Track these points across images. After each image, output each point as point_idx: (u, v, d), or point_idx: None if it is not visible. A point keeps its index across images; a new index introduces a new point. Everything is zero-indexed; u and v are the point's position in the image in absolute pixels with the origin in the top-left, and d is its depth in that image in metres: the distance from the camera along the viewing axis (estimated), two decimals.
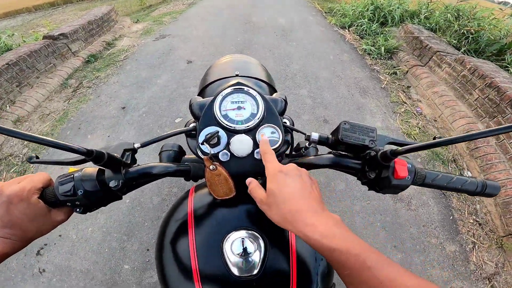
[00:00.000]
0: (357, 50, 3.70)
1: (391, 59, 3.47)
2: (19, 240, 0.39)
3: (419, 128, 2.45)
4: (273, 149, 0.49)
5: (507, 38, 3.08)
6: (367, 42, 3.71)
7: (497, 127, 0.29)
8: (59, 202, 0.41)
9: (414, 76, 2.96)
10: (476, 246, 1.70)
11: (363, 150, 0.48)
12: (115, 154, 0.44)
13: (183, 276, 0.47)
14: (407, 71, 3.10)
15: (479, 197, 1.94)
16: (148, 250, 1.55)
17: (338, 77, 3.07)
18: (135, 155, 0.50)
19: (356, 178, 0.53)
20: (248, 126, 0.50)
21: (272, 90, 0.87)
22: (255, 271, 0.44)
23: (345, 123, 0.48)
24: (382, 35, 3.76)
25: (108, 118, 2.46)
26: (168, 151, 0.61)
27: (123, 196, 0.48)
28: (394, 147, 0.43)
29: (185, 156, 0.60)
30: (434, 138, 0.52)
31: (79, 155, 0.37)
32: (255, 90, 0.53)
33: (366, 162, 0.48)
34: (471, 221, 1.81)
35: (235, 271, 0.44)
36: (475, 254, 1.66)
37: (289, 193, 0.38)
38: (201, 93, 0.86)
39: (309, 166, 0.52)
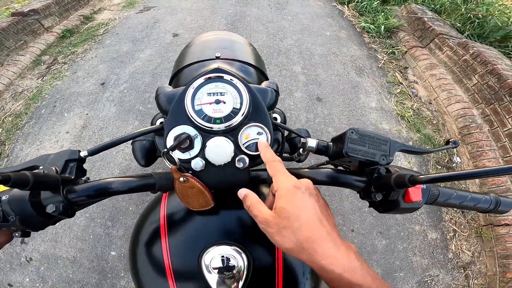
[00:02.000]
0: (356, 28, 3.54)
1: (390, 38, 3.33)
2: None
3: (413, 110, 2.41)
4: (257, 155, 0.41)
5: None
6: (367, 20, 3.54)
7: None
8: None
9: (413, 57, 2.87)
10: (457, 235, 1.75)
11: (370, 164, 0.40)
12: (53, 167, 0.36)
13: None
14: (406, 52, 2.99)
15: (464, 184, 1.96)
16: None
17: (334, 54, 2.95)
18: (84, 165, 0.41)
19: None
20: (228, 126, 0.40)
21: (262, 76, 0.74)
22: (240, 286, 0.39)
23: (352, 132, 0.39)
24: (383, 13, 3.57)
25: (86, 95, 2.31)
26: (141, 141, 0.52)
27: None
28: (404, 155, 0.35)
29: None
30: (448, 143, 0.44)
31: (9, 168, 0.30)
32: (239, 78, 0.43)
33: (372, 181, 0.40)
34: (455, 208, 1.84)
35: (219, 286, 0.39)
36: (454, 243, 1.72)
37: (307, 217, 0.32)
38: (173, 80, 0.73)
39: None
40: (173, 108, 0.41)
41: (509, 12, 3.18)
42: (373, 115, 2.32)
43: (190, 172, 0.39)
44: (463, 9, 3.23)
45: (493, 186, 1.79)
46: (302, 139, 0.43)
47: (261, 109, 0.42)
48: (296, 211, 0.32)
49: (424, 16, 3.11)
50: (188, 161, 0.39)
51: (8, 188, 0.35)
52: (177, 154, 0.39)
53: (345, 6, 4.09)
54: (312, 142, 0.42)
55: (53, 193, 0.35)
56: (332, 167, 0.45)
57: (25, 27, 2.81)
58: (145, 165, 0.58)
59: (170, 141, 0.39)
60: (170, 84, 0.77)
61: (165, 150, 0.37)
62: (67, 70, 2.60)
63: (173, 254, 0.42)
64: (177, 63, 0.80)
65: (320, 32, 3.32)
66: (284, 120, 0.52)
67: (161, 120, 0.47)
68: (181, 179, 0.37)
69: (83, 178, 0.42)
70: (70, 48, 2.92)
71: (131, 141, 0.57)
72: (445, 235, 1.73)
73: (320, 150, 0.42)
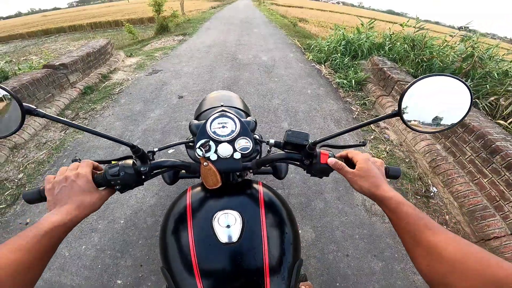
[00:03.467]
0: (332, 84, 4.09)
1: (361, 90, 3.82)
2: (79, 212, 0.50)
3: (387, 152, 2.72)
4: (245, 154, 0.73)
5: (456, 64, 3.42)
6: (340, 76, 4.08)
7: (376, 117, 0.58)
8: (105, 182, 0.60)
9: (381, 105, 3.30)
10: None
11: (302, 147, 0.68)
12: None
13: (182, 248, 0.62)
14: (375, 101, 3.43)
15: (446, 209, 2.14)
16: (141, 265, 1.59)
17: (315, 109, 3.39)
18: (154, 156, 0.74)
19: (307, 173, 0.74)
20: (229, 138, 0.74)
21: (247, 115, 1.22)
22: (236, 239, 0.61)
23: (289, 131, 0.70)
24: (353, 68, 4.12)
25: (104, 148, 2.58)
26: (169, 172, 0.91)
27: (149, 179, 0.68)
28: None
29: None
30: (360, 142, 0.76)
31: (119, 157, 0.64)
32: (234, 115, 0.79)
33: (303, 154, 0.69)
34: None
35: (221, 239, 0.61)
36: None
37: (375, 172, 0.57)
38: (197, 118, 1.22)
39: (270, 161, 0.74)
40: (199, 130, 0.75)
41: (447, 52, 3.60)
42: None
43: (210, 161, 0.72)
44: (412, 55, 3.73)
45: (471, 206, 1.97)
46: (268, 141, 0.77)
47: (247, 130, 0.75)
48: (370, 169, 0.57)
49: (384, 66, 3.60)
50: (207, 157, 0.71)
51: (117, 162, 0.63)
52: (202, 153, 0.71)
53: (322, 65, 4.73)
54: (272, 141, 0.75)
55: (143, 163, 0.66)
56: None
57: (55, 80, 3.07)
58: (170, 184, 0.99)
59: (198, 145, 0.72)
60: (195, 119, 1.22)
61: (197, 147, 0.71)
62: (87, 125, 2.89)
63: (195, 222, 0.66)
64: (198, 109, 1.31)
65: (303, 91, 3.84)
66: (260, 138, 0.90)
67: (192, 138, 0.84)
68: (205, 163, 0.67)
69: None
70: (90, 104, 3.27)
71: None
72: None
73: (276, 144, 0.74)
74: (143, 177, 0.65)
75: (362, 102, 3.55)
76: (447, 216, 2.07)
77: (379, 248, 1.79)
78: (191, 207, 0.69)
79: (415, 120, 0.54)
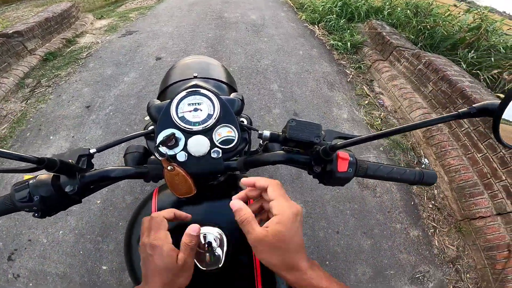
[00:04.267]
0: (326, 45, 3.84)
1: (356, 54, 3.63)
2: None
3: (381, 119, 2.63)
4: (230, 148, 0.53)
5: (460, 34, 3.31)
6: (335, 38, 3.86)
7: (429, 119, 0.36)
8: (15, 208, 0.42)
9: (377, 70, 3.14)
10: (437, 231, 1.82)
11: (311, 145, 0.50)
12: (70, 160, 0.46)
13: None
14: (371, 65, 3.26)
15: (441, 186, 2.12)
16: None
17: (307, 71, 3.19)
18: (93, 160, 0.52)
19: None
20: (205, 127, 0.52)
21: (232, 90, 0.91)
22: (220, 264, 0.47)
23: (292, 121, 0.50)
24: (348, 31, 3.91)
25: (72, 118, 2.36)
26: (132, 153, 0.63)
27: (92, 195, 0.50)
28: (341, 141, 0.48)
29: (151, 157, 0.60)
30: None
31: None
32: (212, 92, 0.56)
33: (313, 157, 0.50)
34: (430, 206, 1.95)
35: (201, 264, 0.47)
36: (436, 239, 1.78)
37: (298, 243, 0.37)
38: (161, 95, 0.89)
39: (263, 163, 0.54)
40: (161, 116, 0.53)
41: (454, 21, 3.53)
42: (346, 125, 2.50)
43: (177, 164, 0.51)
44: (414, 22, 3.56)
45: (461, 182, 1.93)
46: (259, 131, 0.55)
47: (229, 114, 0.55)
48: (291, 236, 0.36)
49: (383, 30, 3.42)
50: (173, 156, 0.51)
51: (33, 176, 0.44)
52: (165, 151, 0.51)
53: (316, 26, 4.43)
54: (266, 133, 0.53)
55: (70, 178, 0.45)
56: (286, 151, 0.55)
57: (9, 49, 2.82)
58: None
59: (159, 141, 0.51)
60: (158, 99, 0.92)
61: (156, 144, 0.49)
62: (51, 93, 2.64)
63: None
64: (163, 82, 0.97)
65: (294, 52, 3.57)
66: (250, 123, 0.65)
67: (152, 126, 0.59)
68: (169, 167, 0.48)
69: (91, 170, 0.52)
70: (53, 71, 2.96)
71: (123, 154, 0.68)
72: (426, 231, 1.80)
73: (272, 138, 0.53)
74: (74, 197, 0.46)
75: (357, 65, 3.36)
76: (435, 191, 2.05)
77: (369, 225, 1.79)
78: None
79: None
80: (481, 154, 1.92)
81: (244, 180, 0.44)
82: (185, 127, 0.52)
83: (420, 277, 1.61)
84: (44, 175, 0.44)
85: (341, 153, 0.48)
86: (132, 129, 2.24)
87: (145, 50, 3.42)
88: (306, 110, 2.60)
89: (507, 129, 0.35)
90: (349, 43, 3.60)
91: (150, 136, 0.58)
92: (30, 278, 1.43)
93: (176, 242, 0.42)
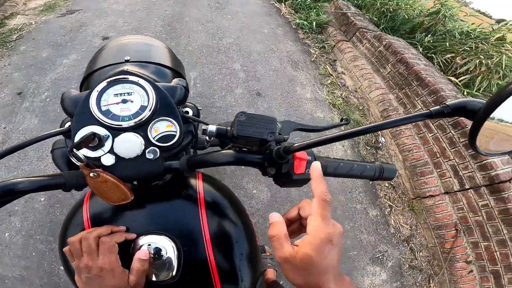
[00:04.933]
0: (291, 24, 3.74)
1: (321, 33, 3.58)
2: None
3: (343, 98, 2.65)
4: (171, 145, 0.44)
5: (419, 18, 3.39)
6: (301, 17, 3.77)
7: (398, 118, 0.31)
8: None
9: (340, 50, 3.13)
10: (393, 210, 1.89)
11: (264, 143, 0.43)
12: None
13: None
14: (334, 45, 3.25)
15: (391, 161, 2.20)
16: None
17: (271, 50, 3.09)
18: None
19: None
20: (137, 122, 0.43)
21: (179, 76, 0.77)
22: (173, 274, 0.42)
23: (241, 115, 0.42)
24: (315, 10, 3.84)
25: (1, 106, 2.09)
26: (61, 149, 0.52)
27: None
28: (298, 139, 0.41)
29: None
30: (341, 120, 0.52)
31: None
32: (145, 78, 0.45)
33: (266, 157, 0.43)
34: (387, 184, 2.02)
35: (151, 276, 0.42)
36: (392, 218, 1.85)
37: (327, 265, 0.33)
38: (83, 84, 0.75)
39: (209, 164, 0.46)
40: (78, 111, 0.43)
41: (415, 5, 3.59)
42: (309, 105, 2.49)
43: (102, 168, 0.41)
44: (378, 4, 3.59)
45: (413, 161, 2.02)
46: (203, 125, 0.47)
47: (169, 104, 0.45)
48: (320, 261, 0.32)
49: (348, 11, 3.40)
50: (97, 159, 0.41)
51: None
52: (88, 153, 0.40)
53: (282, 4, 4.28)
54: (212, 128, 0.46)
55: None
56: (236, 149, 0.48)
57: None
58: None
59: (76, 142, 0.40)
60: (80, 88, 0.78)
61: (69, 148, 0.38)
62: None
63: None
64: (88, 67, 0.81)
65: (259, 30, 3.44)
66: (197, 113, 0.55)
67: (69, 123, 0.47)
68: (91, 174, 0.39)
69: None
70: None
71: (50, 150, 0.56)
72: (383, 211, 1.86)
73: (220, 134, 0.46)
74: None
75: (321, 45, 3.33)
76: None
77: (332, 206, 1.78)
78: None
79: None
80: (431, 134, 2.01)
81: (314, 166, 0.38)
82: (111, 124, 0.42)
83: (380, 257, 1.68)
84: None
85: (298, 152, 0.42)
86: None
87: (90, 30, 3.06)
88: (269, 90, 2.54)
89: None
90: (314, 23, 3.54)
91: (68, 135, 0.46)
92: None
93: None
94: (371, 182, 2.00)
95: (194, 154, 0.50)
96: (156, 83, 0.47)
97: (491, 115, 0.25)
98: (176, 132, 0.45)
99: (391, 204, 1.93)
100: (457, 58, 2.81)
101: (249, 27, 3.46)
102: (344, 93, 2.71)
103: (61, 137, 0.48)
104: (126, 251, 0.43)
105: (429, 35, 3.13)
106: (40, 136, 0.43)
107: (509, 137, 0.29)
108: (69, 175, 0.43)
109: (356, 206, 1.86)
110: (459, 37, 3.09)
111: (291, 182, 0.44)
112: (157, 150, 0.43)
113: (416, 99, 2.24)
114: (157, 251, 0.42)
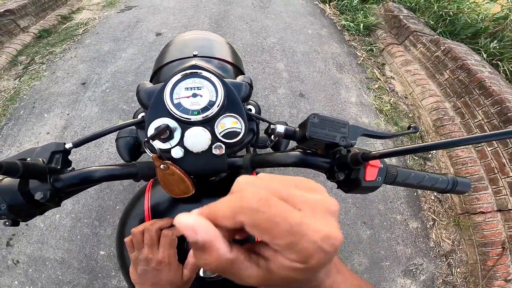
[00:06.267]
0: (336, 26, 3.64)
1: (369, 36, 3.45)
2: None
3: (391, 104, 2.53)
4: (236, 142, 0.44)
5: (484, 23, 3.13)
6: (347, 18, 3.64)
7: (481, 135, 0.26)
8: None
9: (390, 54, 2.99)
10: (436, 224, 1.80)
11: (333, 147, 0.43)
12: (40, 159, 0.38)
13: None
14: (383, 49, 3.11)
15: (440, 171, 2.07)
16: None
17: (315, 51, 3.03)
18: (70, 156, 0.44)
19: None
20: (205, 116, 0.43)
21: (239, 72, 0.78)
22: None
23: (314, 116, 0.42)
24: (362, 12, 3.69)
25: (66, 95, 2.27)
26: (125, 138, 0.55)
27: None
28: (366, 139, 0.40)
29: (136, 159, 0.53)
30: (409, 128, 0.49)
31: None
32: (214, 74, 0.46)
33: (335, 161, 0.43)
34: (432, 197, 1.92)
35: (199, 272, 0.42)
36: (434, 232, 1.77)
37: None
38: (154, 77, 0.77)
39: (274, 164, 0.46)
40: (153, 103, 0.44)
41: (479, 9, 3.32)
42: (353, 109, 2.41)
43: (171, 160, 0.42)
44: (435, 7, 3.35)
45: (467, 175, 1.87)
46: (271, 125, 0.46)
47: (235, 101, 0.46)
48: None
49: (400, 14, 3.23)
50: (169, 150, 0.42)
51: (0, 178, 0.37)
52: (158, 144, 0.42)
53: (327, 4, 4.18)
54: (280, 128, 0.45)
55: (41, 182, 0.38)
56: (301, 151, 0.47)
57: (1, 28, 2.73)
58: (130, 161, 0.61)
59: (151, 133, 0.42)
60: (151, 81, 0.81)
61: (146, 139, 0.40)
62: (45, 70, 2.53)
63: None
64: (157, 61, 0.84)
65: (302, 31, 3.39)
66: (258, 111, 0.56)
67: (143, 114, 0.50)
68: (162, 166, 0.40)
69: (69, 169, 0.44)
70: (47, 48, 2.84)
71: (115, 138, 0.60)
72: (425, 224, 1.78)
73: (288, 135, 0.45)
74: (46, 204, 0.39)
75: (369, 48, 3.19)
76: None
77: (369, 215, 1.77)
78: (151, 220, 0.47)
79: None
80: (491, 148, 1.86)
81: None
82: (181, 117, 0.43)
83: (413, 270, 1.62)
84: (7, 179, 0.37)
85: (372, 161, 0.40)
86: (130, 107, 2.15)
87: (145, 26, 3.25)
88: (312, 91, 2.50)
89: None
90: (362, 25, 3.40)
91: (141, 125, 0.49)
92: (29, 264, 1.42)
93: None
94: (415, 194, 1.91)
95: (254, 153, 0.50)
96: (224, 80, 0.47)
97: None
98: (241, 129, 0.45)
99: (435, 217, 1.84)
100: None
101: (293, 27, 3.43)
102: (392, 98, 2.57)
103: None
104: (182, 245, 0.43)
105: (495, 41, 2.88)
106: (117, 125, 0.46)
107: None
108: (142, 165, 0.45)
109: (396, 216, 1.80)
110: None
111: (358, 188, 0.42)
112: (223, 146, 0.43)
113: (477, 109, 2.06)
114: None
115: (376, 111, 2.43)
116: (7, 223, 0.37)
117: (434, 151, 2.22)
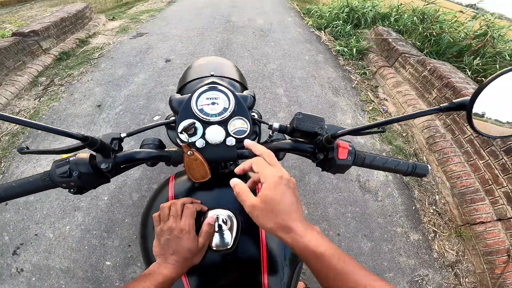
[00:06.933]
0: (331, 51, 3.88)
1: (362, 59, 3.66)
2: (183, 269, 0.49)
3: None
4: (241, 138, 0.58)
5: (466, 41, 3.31)
6: (341, 44, 3.89)
7: (421, 111, 0.41)
8: (52, 184, 0.47)
9: (382, 76, 3.15)
10: (437, 235, 1.82)
11: (315, 136, 0.57)
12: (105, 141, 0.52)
13: None
14: (376, 72, 3.28)
15: (437, 188, 2.14)
16: (129, 245, 1.56)
17: (312, 76, 3.22)
18: (122, 144, 0.58)
19: (319, 168, 0.62)
20: (221, 118, 0.58)
21: (243, 88, 0.99)
22: (229, 246, 0.52)
23: (299, 114, 0.56)
24: (354, 37, 3.94)
25: (83, 116, 2.42)
26: (148, 145, 0.68)
27: (111, 179, 0.55)
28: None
29: (165, 149, 0.66)
30: (378, 128, 0.63)
31: (72, 144, 0.46)
32: (227, 88, 0.62)
33: (316, 146, 0.58)
34: (431, 211, 1.95)
35: (212, 244, 0.52)
36: (436, 243, 1.78)
37: (288, 204, 0.39)
38: (180, 91, 0.97)
39: (273, 151, 0.60)
40: (182, 108, 0.59)
41: (460, 28, 3.53)
42: None
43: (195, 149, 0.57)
44: (420, 28, 3.57)
45: (462, 188, 1.94)
46: (269, 123, 0.62)
47: (243, 108, 0.60)
48: (278, 198, 0.39)
49: (389, 37, 3.44)
50: (194, 143, 0.57)
51: (73, 154, 0.50)
52: (186, 138, 0.57)
53: (322, 31, 4.48)
54: (276, 125, 0.60)
55: (104, 158, 0.51)
56: (292, 139, 0.63)
57: (25, 48, 2.89)
58: (151, 166, 0.75)
59: (181, 129, 0.57)
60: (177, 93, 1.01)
61: (179, 131, 0.55)
62: (63, 92, 2.71)
63: None
64: (182, 79, 1.06)
65: (300, 57, 3.62)
66: (260, 117, 0.74)
67: (173, 117, 0.65)
68: (189, 152, 0.54)
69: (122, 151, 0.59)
70: (66, 70, 3.04)
71: (140, 145, 0.73)
72: (426, 236, 1.80)
73: (281, 129, 0.60)
74: (107, 175, 0.52)
75: (362, 71, 3.39)
76: (437, 196, 2.05)
77: (369, 228, 1.80)
78: None
79: (483, 117, 0.40)
80: (483, 161, 1.92)
81: (246, 142, 0.52)
82: (203, 118, 0.57)
83: (419, 280, 1.61)
84: (82, 154, 0.50)
85: (342, 143, 0.56)
86: None
87: (155, 52, 3.50)
88: None
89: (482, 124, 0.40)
90: (354, 49, 3.63)
91: (171, 126, 0.66)
92: (33, 273, 1.46)
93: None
94: (414, 208, 1.96)
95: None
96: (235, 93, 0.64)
97: (480, 113, 0.38)
98: (247, 128, 0.59)
99: (436, 229, 1.86)
100: None
101: (291, 54, 3.67)
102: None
103: (148, 135, 0.65)
104: (198, 221, 0.54)
105: (478, 58, 3.04)
106: (155, 123, 0.61)
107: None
108: (173, 152, 0.59)
109: (396, 229, 1.82)
110: (510, 58, 2.98)
111: (334, 166, 0.56)
112: (234, 139, 0.57)
113: (466, 124, 2.15)
114: (221, 224, 0.53)
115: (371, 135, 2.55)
116: (72, 190, 0.49)
117: (430, 167, 2.29)
